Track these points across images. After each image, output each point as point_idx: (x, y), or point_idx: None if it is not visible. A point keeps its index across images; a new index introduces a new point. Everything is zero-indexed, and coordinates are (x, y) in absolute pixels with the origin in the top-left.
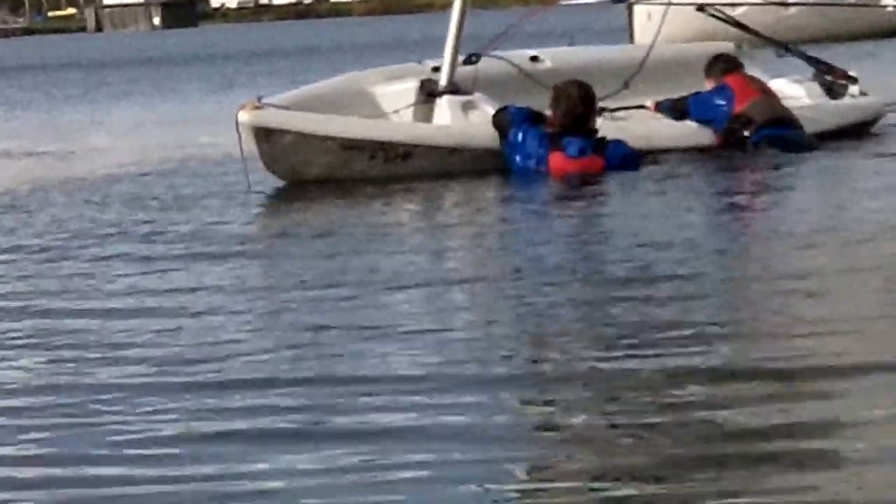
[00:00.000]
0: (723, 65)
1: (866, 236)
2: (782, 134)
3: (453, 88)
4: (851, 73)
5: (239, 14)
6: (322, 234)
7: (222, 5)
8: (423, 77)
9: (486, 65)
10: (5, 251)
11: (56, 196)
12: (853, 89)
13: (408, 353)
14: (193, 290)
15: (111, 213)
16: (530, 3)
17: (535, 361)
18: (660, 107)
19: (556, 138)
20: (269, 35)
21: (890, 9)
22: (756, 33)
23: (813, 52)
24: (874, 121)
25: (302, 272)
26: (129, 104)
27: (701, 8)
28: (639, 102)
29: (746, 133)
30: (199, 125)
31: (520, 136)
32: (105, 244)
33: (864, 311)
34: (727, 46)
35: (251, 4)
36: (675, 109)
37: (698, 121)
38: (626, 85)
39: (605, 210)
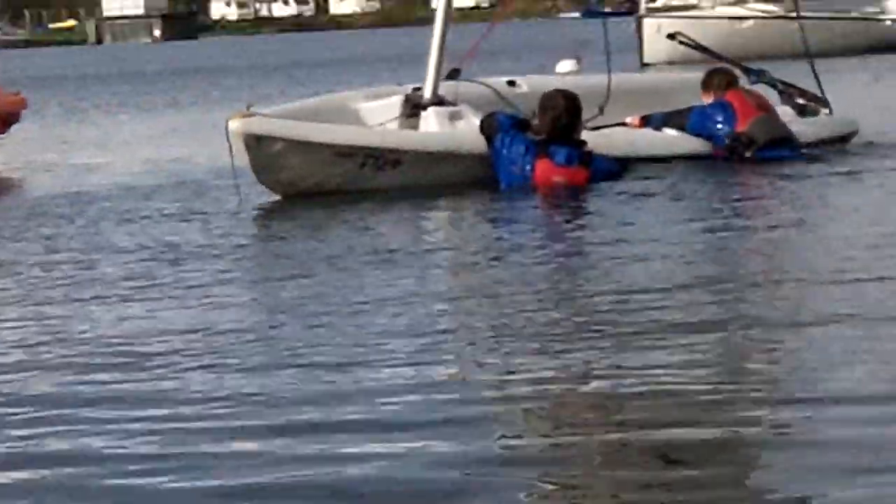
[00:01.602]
0: (722, 79)
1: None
2: (783, 156)
3: (438, 100)
4: (822, 97)
5: (239, 26)
6: (310, 254)
7: (222, 17)
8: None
9: (464, 88)
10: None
11: (50, 209)
12: (825, 112)
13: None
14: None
15: (102, 229)
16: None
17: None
18: (649, 120)
19: (544, 145)
20: (270, 47)
21: (888, 23)
22: (730, 60)
23: (813, 66)
24: (849, 136)
25: (286, 292)
26: (128, 117)
27: (671, 36)
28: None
29: (748, 154)
30: (194, 139)
31: (507, 141)
32: (94, 262)
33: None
34: (698, 76)
35: (251, 17)
36: (671, 124)
37: (698, 135)
38: (601, 111)
39: (592, 227)
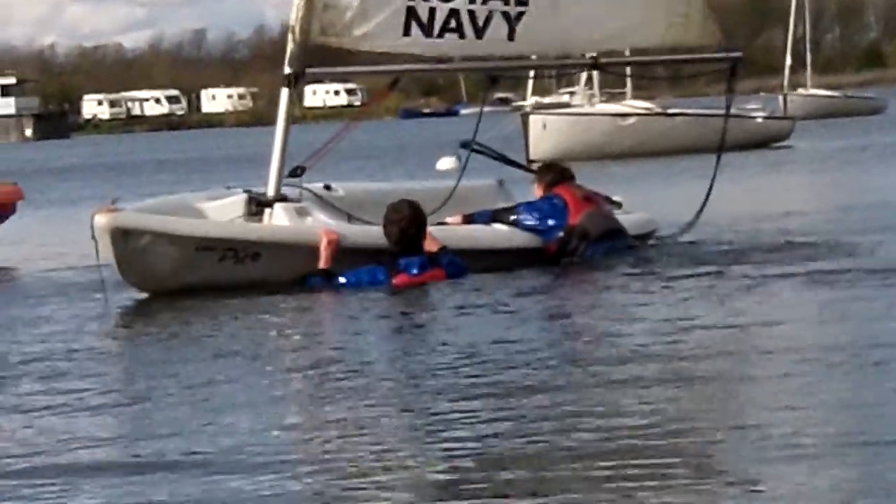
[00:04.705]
0: (555, 175)
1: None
2: (614, 247)
3: (282, 197)
4: (615, 198)
5: (111, 125)
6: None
7: (94, 116)
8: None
9: (287, 190)
10: None
11: None
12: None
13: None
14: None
15: None
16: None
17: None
18: (473, 219)
19: (393, 262)
20: (142, 146)
21: (759, 120)
22: (521, 166)
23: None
24: (649, 234)
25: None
26: None
27: (465, 144)
28: None
29: (582, 247)
30: (62, 237)
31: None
32: None
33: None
34: (489, 183)
35: (123, 115)
36: (498, 220)
37: (531, 228)
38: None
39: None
